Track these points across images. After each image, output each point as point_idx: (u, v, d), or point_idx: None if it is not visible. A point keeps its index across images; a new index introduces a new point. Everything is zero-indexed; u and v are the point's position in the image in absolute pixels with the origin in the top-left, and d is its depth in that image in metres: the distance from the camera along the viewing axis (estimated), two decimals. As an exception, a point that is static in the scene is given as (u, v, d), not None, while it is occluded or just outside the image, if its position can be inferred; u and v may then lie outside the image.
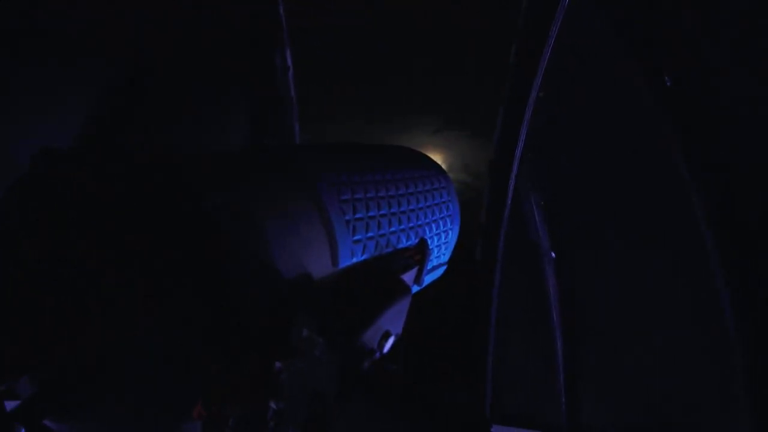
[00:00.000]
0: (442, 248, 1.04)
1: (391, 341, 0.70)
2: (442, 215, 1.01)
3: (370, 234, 0.78)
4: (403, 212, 0.87)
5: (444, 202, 1.02)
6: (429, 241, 0.95)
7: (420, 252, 0.90)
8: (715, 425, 2.21)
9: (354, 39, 4.51)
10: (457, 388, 3.30)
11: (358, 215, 0.76)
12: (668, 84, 2.05)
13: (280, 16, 2.26)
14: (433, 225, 0.98)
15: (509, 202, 2.61)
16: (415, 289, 0.89)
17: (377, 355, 0.67)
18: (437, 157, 5.25)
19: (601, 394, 2.64)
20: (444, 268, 1.10)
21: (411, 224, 0.90)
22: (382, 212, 0.82)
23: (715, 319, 2.06)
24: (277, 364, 0.54)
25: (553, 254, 2.73)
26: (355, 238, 0.75)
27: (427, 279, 0.97)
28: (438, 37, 4.72)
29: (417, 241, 0.92)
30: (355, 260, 0.75)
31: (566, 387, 2.77)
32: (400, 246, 0.87)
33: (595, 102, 2.25)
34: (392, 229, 0.84)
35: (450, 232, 1.06)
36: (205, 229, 0.52)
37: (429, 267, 0.95)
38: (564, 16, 2.10)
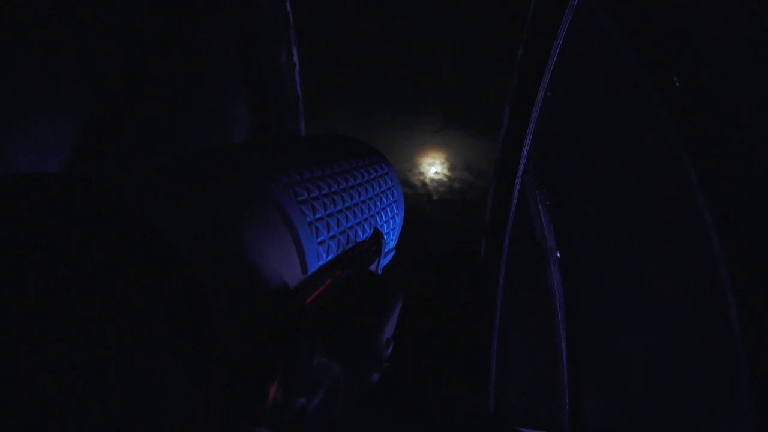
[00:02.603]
0: (391, 234, 1.06)
1: (391, 347, 0.69)
2: (389, 201, 1.02)
3: (331, 233, 0.76)
4: (356, 204, 0.87)
5: (389, 188, 1.03)
6: (381, 229, 0.95)
7: (376, 242, 0.90)
8: (719, 426, 2.20)
9: (359, 37, 4.50)
10: (461, 389, 3.30)
11: (318, 215, 0.73)
12: (677, 84, 2.04)
13: (288, 13, 2.25)
14: (383, 213, 0.98)
15: (515, 201, 2.60)
16: None
17: (380, 364, 0.65)
18: (440, 156, 5.25)
19: (604, 394, 2.63)
20: (393, 253, 1.10)
21: (365, 216, 0.89)
22: (338, 208, 0.80)
23: (722, 321, 2.05)
24: (300, 401, 0.51)
25: (559, 254, 2.72)
26: (319, 239, 0.72)
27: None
28: (442, 36, 4.72)
29: (371, 231, 0.91)
30: (320, 263, 0.73)
31: (570, 387, 2.76)
32: (359, 240, 0.86)
33: (603, 101, 2.24)
34: (349, 224, 0.83)
35: (397, 218, 1.08)
36: (179, 267, 0.48)
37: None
38: (572, 15, 2.09)
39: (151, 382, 0.44)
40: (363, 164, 0.96)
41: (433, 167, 5.24)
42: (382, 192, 0.99)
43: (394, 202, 1.04)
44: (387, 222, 1.00)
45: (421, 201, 5.21)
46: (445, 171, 5.23)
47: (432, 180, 5.25)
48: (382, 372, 0.65)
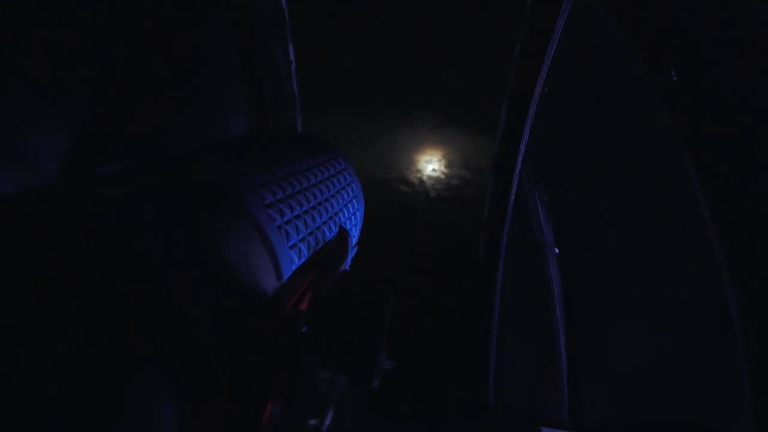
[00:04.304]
0: (353, 230, 1.05)
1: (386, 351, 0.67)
2: (350, 198, 1.01)
3: (301, 235, 0.75)
4: (320, 203, 0.86)
5: (348, 184, 1.02)
6: (344, 226, 0.95)
7: (342, 241, 0.88)
8: (719, 422, 2.21)
9: (356, 33, 4.49)
10: (460, 387, 3.29)
11: (286, 218, 0.72)
12: (675, 79, 2.03)
13: (283, 10, 2.23)
14: (345, 210, 0.97)
15: (513, 198, 2.59)
16: None
17: (383, 368, 0.64)
18: (438, 153, 5.23)
19: (604, 392, 2.63)
20: (356, 249, 1.09)
21: (329, 214, 0.88)
22: (304, 208, 0.79)
23: (722, 320, 2.05)
24: (312, 422, 0.50)
25: (557, 250, 2.71)
26: (290, 243, 0.71)
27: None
28: (439, 33, 4.71)
29: (336, 230, 0.90)
30: (293, 268, 0.71)
31: (569, 384, 2.76)
32: (326, 239, 0.85)
33: (601, 97, 2.24)
34: (316, 224, 0.82)
35: (358, 213, 1.07)
36: (157, 284, 0.46)
37: None
38: (569, 10, 2.08)
39: (142, 411, 0.42)
40: (321, 161, 0.94)
41: (431, 164, 5.24)
42: (342, 188, 0.98)
43: (355, 197, 1.04)
44: (349, 218, 1.00)
45: (418, 198, 5.21)
46: (443, 168, 5.22)
47: (429, 177, 5.24)
48: (382, 376, 0.64)
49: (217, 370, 0.46)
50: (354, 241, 1.07)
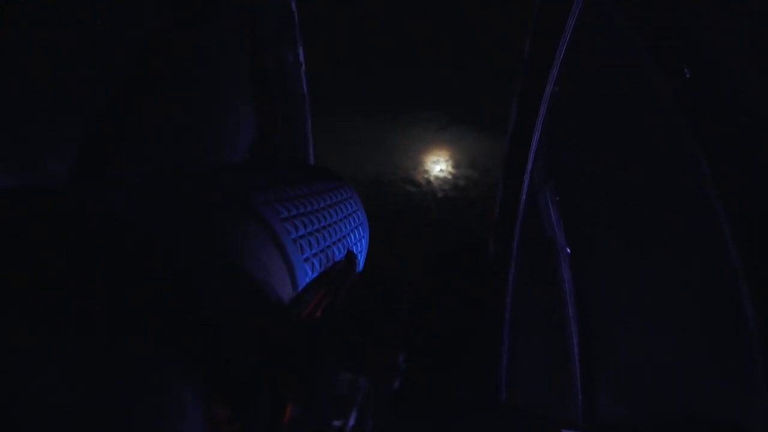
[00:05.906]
0: (359, 257, 1.09)
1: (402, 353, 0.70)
2: (356, 224, 1.05)
3: (314, 251, 0.78)
4: (330, 225, 0.89)
5: (354, 211, 1.06)
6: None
7: (350, 262, 0.92)
8: (735, 420, 2.19)
9: (357, 33, 4.50)
10: (472, 387, 3.29)
11: (300, 233, 0.75)
12: (687, 75, 2.02)
13: (293, 12, 2.23)
14: (352, 235, 1.01)
15: (524, 197, 2.58)
16: None
17: (402, 370, 0.67)
18: (444, 154, 5.24)
19: (618, 391, 2.62)
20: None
21: (339, 236, 0.91)
22: (316, 227, 0.82)
23: (736, 318, 2.03)
24: (336, 423, 0.51)
25: (569, 250, 2.70)
26: (305, 256, 0.74)
27: None
28: (439, 33, 4.72)
29: (345, 252, 0.93)
30: (307, 280, 0.74)
31: (582, 384, 2.75)
32: (336, 259, 0.88)
33: (613, 94, 2.22)
34: (327, 243, 0.85)
35: (363, 240, 1.11)
36: (187, 293, 0.46)
37: None
38: (580, 7, 2.07)
39: (144, 412, 0.41)
40: (329, 187, 0.98)
41: (438, 165, 5.25)
42: (350, 214, 1.02)
43: (360, 224, 1.07)
44: (356, 244, 1.03)
45: (425, 199, 5.22)
46: (450, 168, 5.24)
47: (436, 178, 5.26)
48: (401, 377, 0.66)
49: (231, 369, 0.46)
50: (360, 267, 1.11)
